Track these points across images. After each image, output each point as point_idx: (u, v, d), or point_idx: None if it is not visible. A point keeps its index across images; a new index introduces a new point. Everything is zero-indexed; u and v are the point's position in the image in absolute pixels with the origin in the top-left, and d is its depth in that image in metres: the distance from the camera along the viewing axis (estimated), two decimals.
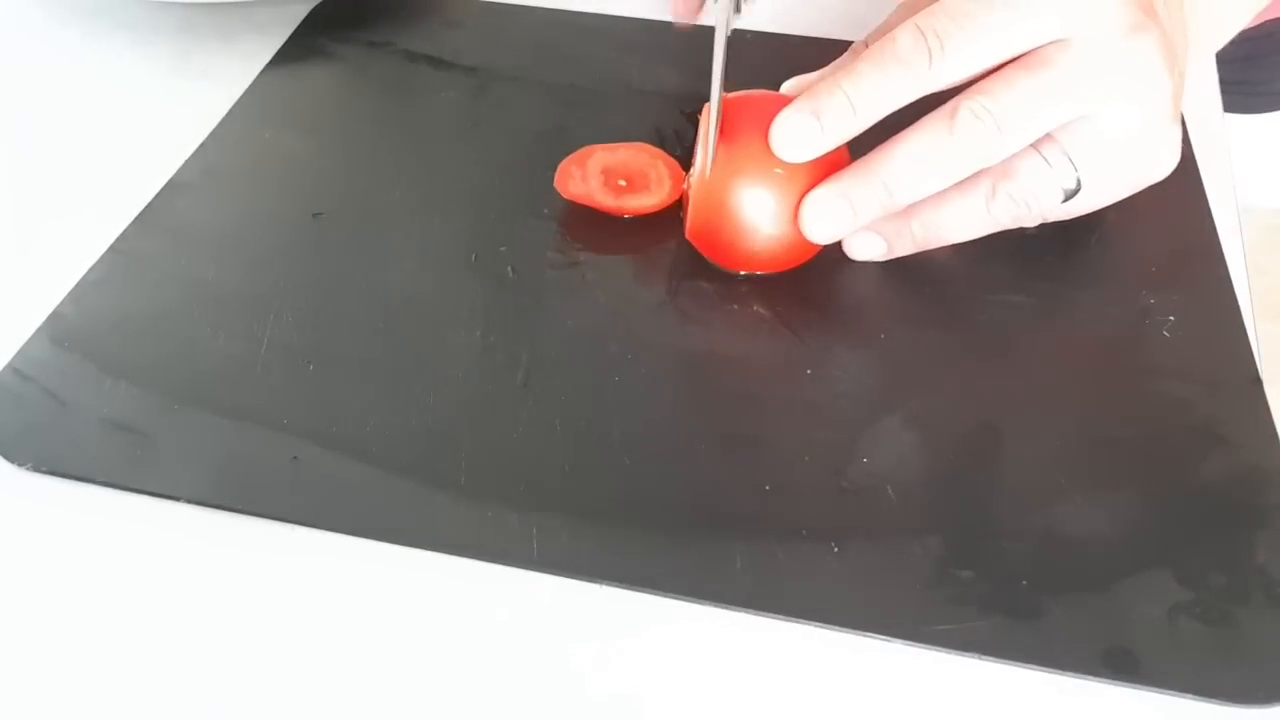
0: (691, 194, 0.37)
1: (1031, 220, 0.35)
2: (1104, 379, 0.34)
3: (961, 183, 0.34)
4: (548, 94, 0.45)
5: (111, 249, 0.38)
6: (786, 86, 0.38)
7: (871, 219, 0.35)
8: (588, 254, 0.38)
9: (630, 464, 0.31)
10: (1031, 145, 0.33)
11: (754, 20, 0.47)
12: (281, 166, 0.42)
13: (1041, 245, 0.38)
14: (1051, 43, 0.32)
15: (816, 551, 0.29)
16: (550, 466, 0.31)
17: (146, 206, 0.39)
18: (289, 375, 0.34)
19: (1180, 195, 0.39)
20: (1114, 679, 0.27)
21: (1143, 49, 0.32)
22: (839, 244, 0.37)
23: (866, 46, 0.34)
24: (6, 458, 0.31)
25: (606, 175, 0.39)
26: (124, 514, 0.30)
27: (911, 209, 0.35)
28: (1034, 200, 0.34)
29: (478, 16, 0.50)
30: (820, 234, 0.35)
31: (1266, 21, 0.64)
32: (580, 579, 0.29)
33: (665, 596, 0.29)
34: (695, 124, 0.38)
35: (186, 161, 0.41)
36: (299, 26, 0.49)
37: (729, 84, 0.34)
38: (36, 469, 0.31)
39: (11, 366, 0.34)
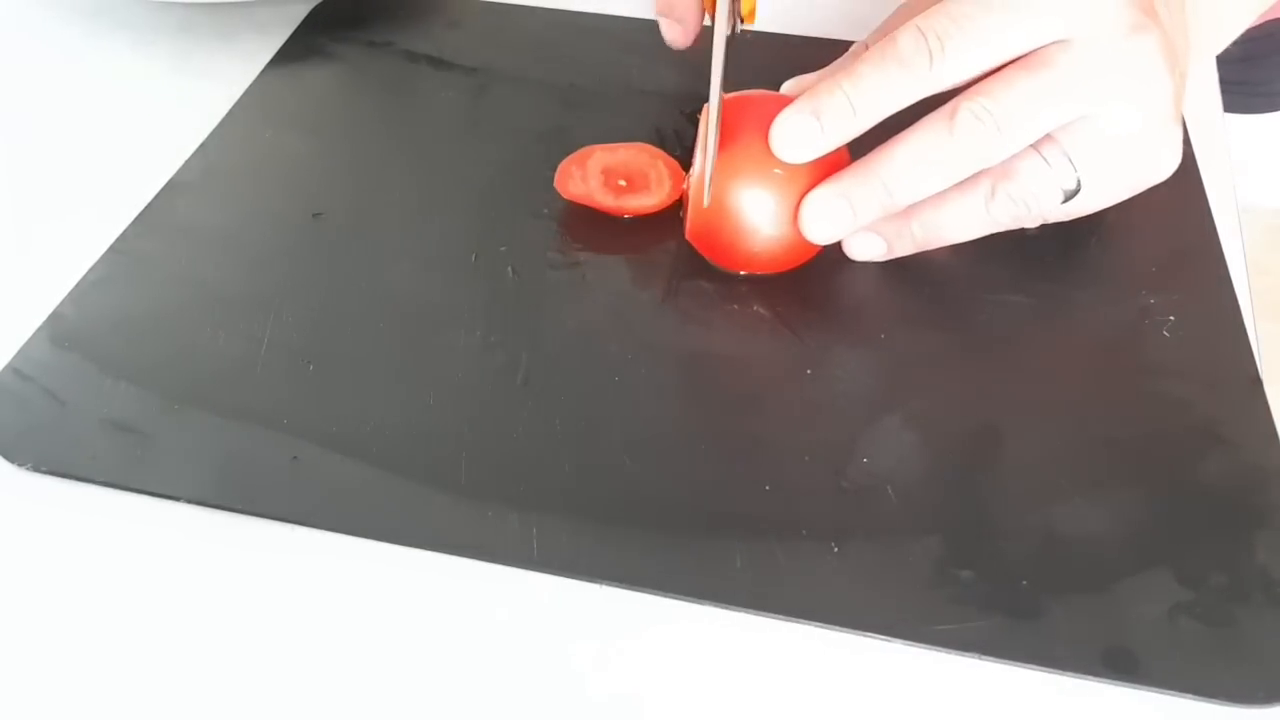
0: (691, 194, 0.37)
1: (1031, 221, 0.35)
2: (1104, 379, 0.34)
3: (961, 183, 0.34)
4: (548, 94, 0.45)
5: (111, 249, 0.38)
6: (786, 86, 0.38)
7: (871, 219, 0.35)
8: (588, 254, 0.38)
9: (630, 464, 0.31)
10: (1031, 146, 0.33)
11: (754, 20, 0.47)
12: (282, 166, 0.42)
13: (1041, 245, 0.38)
14: (1052, 43, 0.32)
15: (816, 551, 0.29)
16: (550, 466, 0.31)
17: (146, 206, 0.39)
18: (289, 375, 0.34)
19: (1180, 195, 0.39)
20: (1114, 679, 0.27)
21: (1143, 49, 0.32)
22: (839, 244, 0.37)
23: (867, 48, 0.34)
24: (6, 458, 0.31)
25: (606, 175, 0.39)
26: (124, 514, 0.30)
27: (911, 209, 0.35)
28: (1034, 201, 0.34)
29: (478, 16, 0.50)
30: (820, 234, 0.35)
31: (1267, 22, 0.64)
32: (580, 579, 0.29)
33: (665, 596, 0.29)
34: (695, 124, 0.38)
35: (186, 161, 0.41)
36: (299, 26, 0.49)
37: (729, 84, 0.34)
38: (36, 469, 0.31)
39: (11, 366, 0.34)
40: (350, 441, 0.32)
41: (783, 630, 0.28)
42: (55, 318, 0.35)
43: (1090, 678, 0.27)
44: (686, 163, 0.40)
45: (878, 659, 0.28)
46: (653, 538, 0.30)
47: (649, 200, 0.39)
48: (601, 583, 0.29)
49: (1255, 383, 0.34)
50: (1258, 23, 0.64)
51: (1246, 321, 0.36)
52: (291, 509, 0.30)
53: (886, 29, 0.37)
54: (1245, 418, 0.33)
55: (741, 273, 0.37)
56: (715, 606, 0.28)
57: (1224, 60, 0.48)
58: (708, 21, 0.42)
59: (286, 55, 0.47)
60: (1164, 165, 0.35)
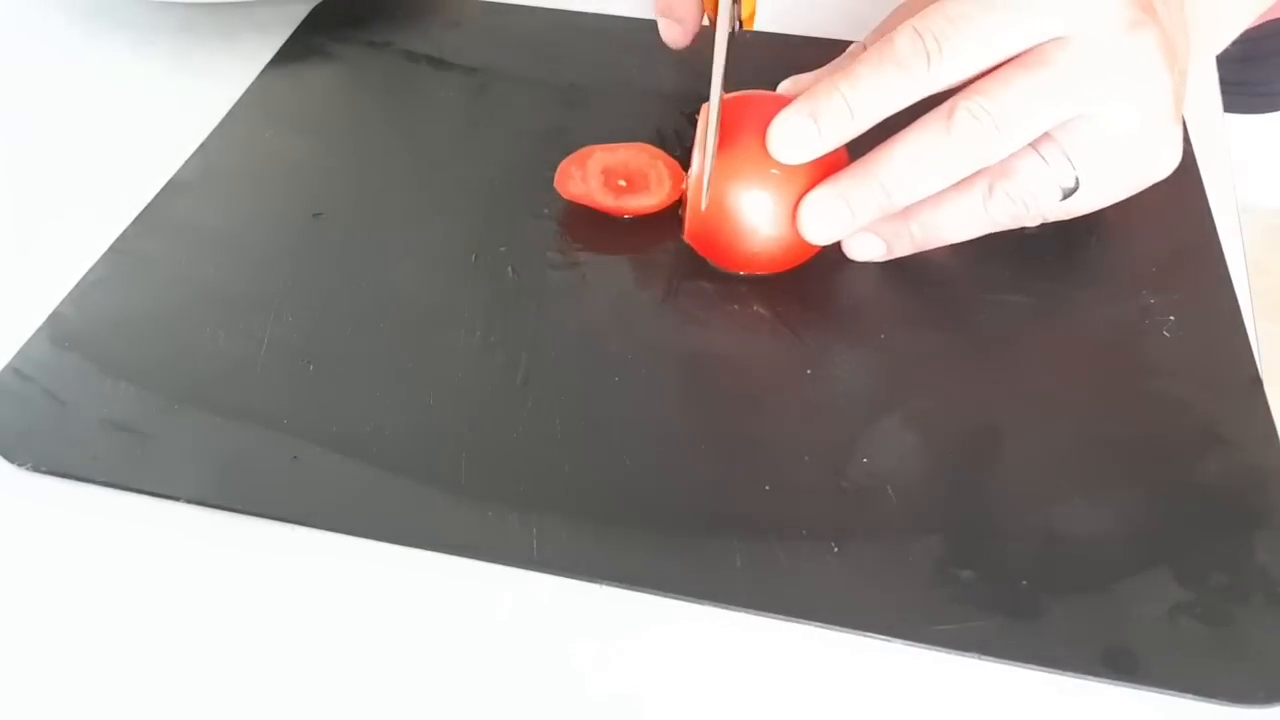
0: (690, 195, 0.37)
1: (1030, 220, 0.35)
2: (1104, 379, 0.34)
3: (960, 183, 0.34)
4: (548, 94, 0.45)
5: (111, 249, 0.38)
6: (783, 86, 0.38)
7: (870, 220, 0.35)
8: (588, 254, 0.38)
9: (630, 464, 0.31)
10: (1030, 145, 0.33)
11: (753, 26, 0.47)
12: (282, 166, 0.42)
13: (1041, 245, 0.38)
14: (1050, 41, 0.32)
15: (816, 551, 0.29)
16: (550, 466, 0.31)
17: (146, 206, 0.39)
18: (289, 375, 0.34)
19: (1180, 195, 0.39)
20: (1114, 679, 0.27)
21: (1142, 47, 0.32)
22: (838, 244, 0.37)
23: (865, 48, 0.34)
24: (6, 458, 0.31)
25: (606, 175, 0.39)
26: (124, 514, 0.30)
27: (910, 209, 0.35)
28: (1032, 200, 0.34)
29: (478, 16, 0.50)
30: (818, 235, 0.35)
31: (1267, 22, 0.64)
32: (580, 579, 0.29)
33: (665, 596, 0.29)
34: (695, 124, 0.38)
35: (186, 161, 0.41)
36: (299, 26, 0.49)
37: (728, 84, 0.34)
38: (36, 469, 0.31)
39: (11, 366, 0.34)
40: (350, 441, 0.32)
41: (783, 630, 0.28)
42: (55, 318, 0.35)
43: (1090, 678, 0.27)
44: (686, 163, 0.39)
45: (878, 659, 0.28)
46: (653, 538, 0.30)
47: (649, 200, 0.39)
48: (601, 583, 0.29)
49: (1255, 383, 0.34)
50: (1258, 23, 0.64)
51: (1246, 321, 0.36)
52: (291, 509, 0.30)
53: (885, 29, 0.37)
54: (1245, 418, 0.33)
55: (741, 273, 0.37)
56: (715, 606, 0.28)
57: (1224, 60, 0.48)
58: (706, 22, 0.42)
59: (286, 55, 0.47)
60: (1163, 164, 0.35)
